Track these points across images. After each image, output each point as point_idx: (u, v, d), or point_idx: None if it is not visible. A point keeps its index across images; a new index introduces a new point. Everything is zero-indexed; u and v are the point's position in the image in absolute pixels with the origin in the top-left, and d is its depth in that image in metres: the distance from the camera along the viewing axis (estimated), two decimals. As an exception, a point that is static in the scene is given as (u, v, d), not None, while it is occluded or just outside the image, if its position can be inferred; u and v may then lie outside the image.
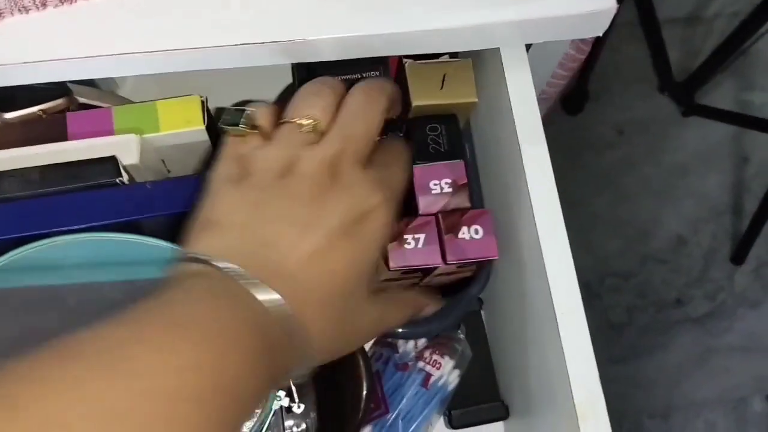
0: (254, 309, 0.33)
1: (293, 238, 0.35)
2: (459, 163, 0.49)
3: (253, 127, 0.41)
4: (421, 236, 0.47)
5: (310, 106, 0.40)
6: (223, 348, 0.30)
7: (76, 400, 0.26)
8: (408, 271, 0.48)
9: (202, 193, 0.39)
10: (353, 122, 0.39)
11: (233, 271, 0.33)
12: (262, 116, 0.41)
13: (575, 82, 1.44)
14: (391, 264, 0.46)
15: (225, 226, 0.36)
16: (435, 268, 0.47)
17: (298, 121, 0.39)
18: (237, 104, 0.49)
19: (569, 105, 1.49)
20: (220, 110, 0.47)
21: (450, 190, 0.49)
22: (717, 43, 1.37)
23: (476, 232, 0.47)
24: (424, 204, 0.48)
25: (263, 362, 0.32)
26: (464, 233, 0.47)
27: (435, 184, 0.49)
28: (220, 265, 0.34)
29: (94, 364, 0.28)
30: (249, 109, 0.42)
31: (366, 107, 0.40)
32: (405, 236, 0.47)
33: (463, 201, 0.49)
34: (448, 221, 0.47)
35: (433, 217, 0.47)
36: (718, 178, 1.48)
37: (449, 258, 0.47)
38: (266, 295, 0.33)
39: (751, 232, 1.40)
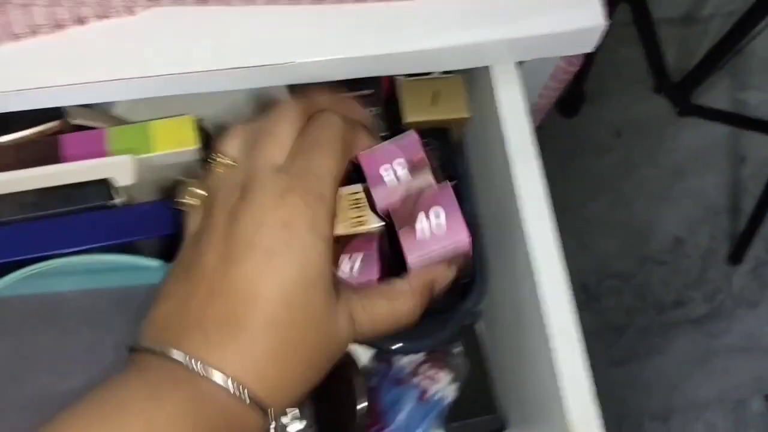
0: (193, 384, 0.32)
1: (211, 288, 0.34)
2: (410, 135, 0.42)
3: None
4: (359, 255, 0.41)
5: (225, 149, 0.39)
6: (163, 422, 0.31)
7: None
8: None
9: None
10: (263, 143, 0.38)
11: (174, 354, 0.33)
12: (193, 186, 0.40)
13: (571, 85, 1.44)
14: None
15: (162, 319, 0.36)
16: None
17: (214, 167, 0.39)
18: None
19: (566, 107, 1.49)
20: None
21: (406, 171, 0.41)
22: (712, 43, 1.37)
23: (437, 215, 0.39)
24: (379, 197, 0.40)
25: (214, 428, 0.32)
26: (423, 222, 0.39)
27: (386, 169, 0.41)
28: (159, 352, 0.33)
29: None
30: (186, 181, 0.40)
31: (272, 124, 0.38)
32: (340, 259, 0.41)
33: (425, 179, 0.41)
34: (402, 214, 0.40)
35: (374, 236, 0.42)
36: (715, 178, 1.48)
37: (417, 254, 0.39)
38: (199, 368, 0.32)
39: (749, 231, 1.40)
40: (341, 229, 0.42)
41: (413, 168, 0.40)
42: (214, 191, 0.38)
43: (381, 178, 0.40)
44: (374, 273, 0.40)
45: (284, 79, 0.43)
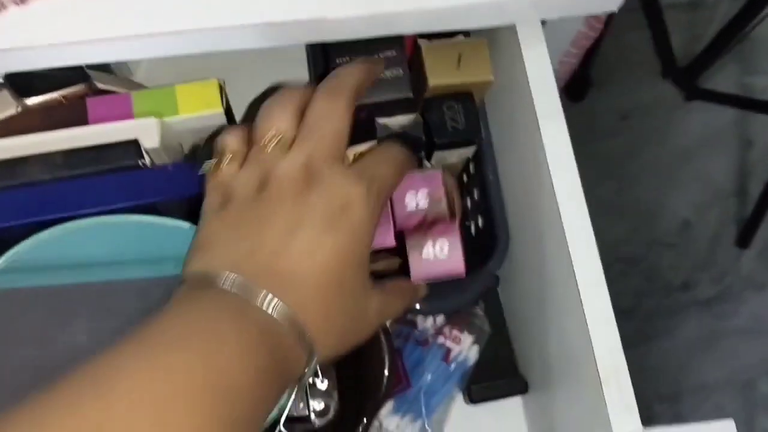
0: (253, 315, 0.34)
1: (279, 240, 0.36)
2: (435, 174, 0.48)
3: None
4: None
5: (272, 120, 0.40)
6: (225, 359, 0.31)
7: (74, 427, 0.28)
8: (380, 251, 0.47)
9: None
10: (318, 122, 0.40)
11: (227, 281, 0.34)
12: (231, 143, 0.41)
13: (578, 69, 1.44)
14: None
15: (213, 247, 0.38)
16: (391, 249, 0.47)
17: (262, 142, 0.40)
18: (212, 134, 0.49)
19: (572, 92, 1.49)
20: (197, 147, 0.47)
21: (426, 201, 0.47)
22: (719, 27, 1.38)
23: (442, 248, 0.47)
24: (400, 218, 0.47)
25: (269, 366, 0.33)
26: (429, 249, 0.47)
27: (411, 195, 0.48)
28: (212, 279, 0.35)
29: (89, 390, 0.29)
30: (219, 140, 0.42)
31: (329, 105, 0.41)
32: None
33: (440, 211, 0.47)
34: (413, 236, 0.47)
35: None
36: (722, 161, 1.49)
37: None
38: (263, 299, 0.34)
39: (756, 215, 1.40)
40: None
41: (432, 199, 0.47)
42: (268, 160, 0.39)
43: (405, 203, 0.47)
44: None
45: (311, 37, 0.43)
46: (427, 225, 0.47)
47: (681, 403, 1.35)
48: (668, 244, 1.44)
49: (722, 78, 1.52)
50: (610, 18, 1.32)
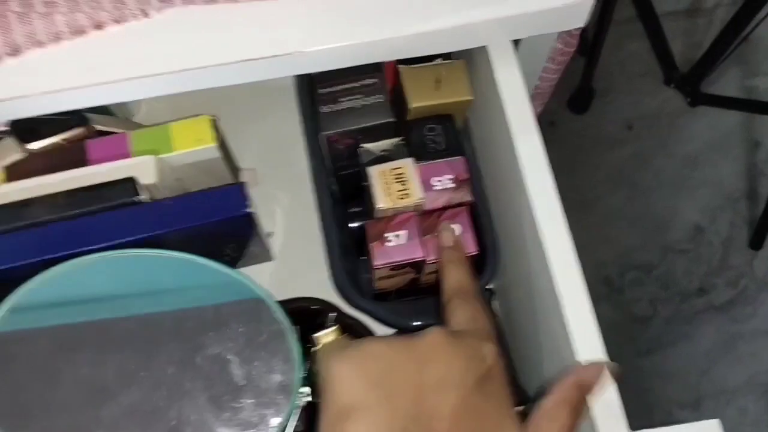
0: None
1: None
2: (459, 160, 0.52)
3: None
4: (403, 233, 0.49)
5: None
6: None
7: None
8: (397, 267, 0.50)
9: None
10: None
11: None
12: None
13: (580, 81, 1.46)
14: (376, 262, 0.48)
15: (365, 408, 0.37)
16: (421, 262, 0.50)
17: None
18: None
19: (576, 104, 1.50)
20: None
21: (453, 185, 0.52)
22: (718, 32, 1.38)
23: (455, 230, 0.50)
24: (428, 200, 0.50)
25: None
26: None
27: (438, 181, 0.51)
28: None
29: None
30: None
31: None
32: (386, 234, 0.49)
33: (465, 195, 0.52)
34: (427, 222, 0.50)
35: (414, 214, 0.50)
36: (730, 165, 1.49)
37: (429, 258, 0.49)
38: None
39: (768, 216, 1.40)
40: (387, 202, 0.50)
41: (458, 184, 0.51)
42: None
43: (432, 186, 0.51)
44: (418, 250, 0.50)
45: (291, 69, 0.46)
46: (437, 213, 0.51)
47: (702, 408, 1.34)
48: (681, 250, 1.44)
49: (725, 82, 1.52)
50: (604, 33, 1.34)
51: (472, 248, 0.50)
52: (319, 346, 0.42)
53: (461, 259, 0.48)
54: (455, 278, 0.46)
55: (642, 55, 1.53)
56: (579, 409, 0.40)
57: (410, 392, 0.37)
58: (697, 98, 1.50)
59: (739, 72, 1.54)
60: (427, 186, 0.51)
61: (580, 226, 1.53)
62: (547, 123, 1.48)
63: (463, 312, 0.43)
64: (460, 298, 0.45)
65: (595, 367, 0.41)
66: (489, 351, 0.39)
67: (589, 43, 1.38)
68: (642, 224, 1.45)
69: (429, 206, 0.51)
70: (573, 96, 1.49)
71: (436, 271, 0.53)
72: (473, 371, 0.38)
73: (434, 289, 0.56)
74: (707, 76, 1.46)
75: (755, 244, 1.43)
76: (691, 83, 1.49)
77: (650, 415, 1.31)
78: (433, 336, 0.38)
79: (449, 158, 0.52)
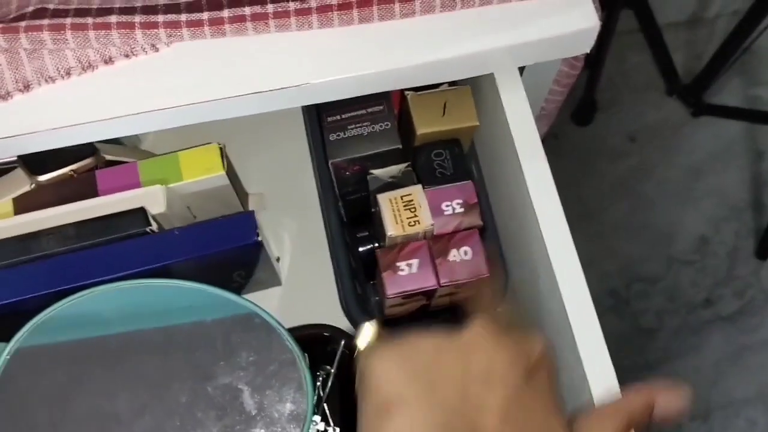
0: None
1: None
2: (468, 184, 0.52)
3: None
4: (415, 261, 0.49)
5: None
6: None
7: None
8: (409, 296, 0.50)
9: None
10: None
11: None
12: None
13: (583, 94, 1.46)
14: (388, 291, 0.48)
15: (406, 402, 0.36)
16: (434, 290, 0.50)
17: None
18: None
19: (579, 117, 1.51)
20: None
21: (462, 210, 0.52)
22: (720, 43, 1.39)
23: (465, 253, 0.50)
24: (437, 225, 0.51)
25: None
26: (454, 255, 0.49)
27: (447, 206, 0.51)
28: None
29: None
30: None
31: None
32: (398, 263, 0.49)
33: (474, 219, 0.52)
34: (438, 245, 0.50)
35: (425, 242, 0.50)
36: (734, 175, 1.49)
37: (442, 280, 0.49)
38: None
39: (774, 225, 1.40)
40: (397, 230, 0.50)
41: (467, 208, 0.52)
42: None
43: (442, 211, 0.51)
44: (431, 279, 0.50)
45: (300, 101, 0.46)
46: (448, 236, 0.51)
47: (712, 420, 1.33)
48: (687, 262, 1.44)
49: (728, 92, 1.53)
50: (607, 45, 1.34)
51: (484, 271, 0.50)
52: (360, 347, 0.41)
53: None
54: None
55: (644, 66, 1.53)
56: (637, 425, 0.38)
57: (454, 386, 0.35)
58: (700, 109, 1.50)
59: (741, 82, 1.54)
60: (437, 211, 0.51)
61: (584, 238, 1.53)
62: (550, 135, 1.48)
63: (499, 314, 0.41)
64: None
65: (673, 393, 0.39)
66: (536, 343, 0.37)
67: (592, 55, 1.39)
68: (647, 235, 1.45)
69: (439, 231, 0.51)
70: (576, 108, 1.50)
71: (448, 295, 0.53)
72: (520, 364, 0.36)
73: (444, 312, 0.56)
74: (710, 86, 1.47)
75: (761, 254, 1.43)
76: (693, 94, 1.49)
77: (659, 427, 1.31)
78: (477, 327, 0.37)
79: (458, 183, 0.52)
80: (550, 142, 1.48)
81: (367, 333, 0.41)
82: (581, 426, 0.37)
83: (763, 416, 1.34)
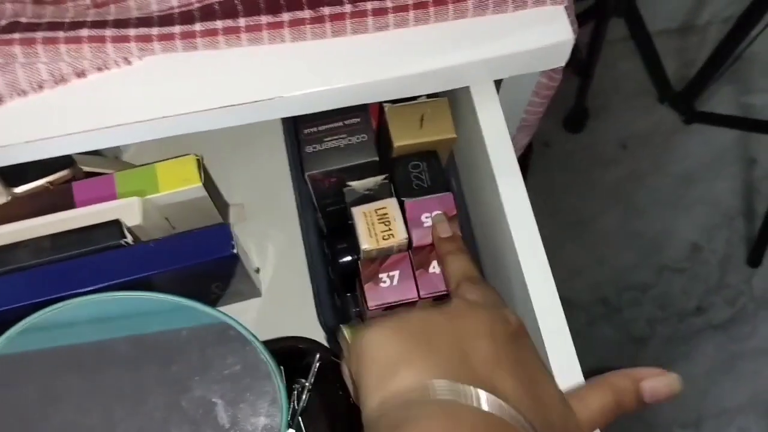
0: (482, 418, 0.35)
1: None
2: (448, 196, 0.52)
3: None
4: (396, 273, 0.49)
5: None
6: None
7: None
8: (389, 308, 0.50)
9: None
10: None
11: (452, 393, 0.35)
12: None
13: (575, 102, 1.46)
14: (370, 303, 0.48)
15: (411, 360, 0.37)
16: (414, 302, 0.49)
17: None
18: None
19: (571, 124, 1.51)
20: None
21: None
22: (711, 50, 1.39)
23: None
24: (416, 236, 0.50)
25: None
26: (434, 267, 0.49)
27: (426, 217, 0.51)
28: (441, 397, 0.35)
29: None
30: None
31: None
32: (380, 275, 0.49)
33: (453, 231, 0.51)
34: (419, 257, 0.50)
35: (407, 254, 0.50)
36: (726, 183, 1.49)
37: (422, 292, 0.49)
38: (485, 401, 0.35)
39: (765, 233, 1.40)
40: (372, 243, 0.49)
41: (447, 219, 0.50)
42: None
43: (422, 223, 0.51)
44: (412, 291, 0.50)
45: (273, 114, 0.46)
46: (429, 247, 0.51)
47: (703, 428, 1.33)
48: (678, 269, 1.44)
49: (720, 100, 1.53)
50: (597, 53, 1.35)
51: None
52: (346, 334, 0.42)
53: (460, 248, 0.48)
54: (458, 267, 0.47)
55: (636, 74, 1.54)
56: (624, 403, 0.39)
57: (448, 345, 0.37)
58: (692, 116, 1.50)
59: (733, 89, 1.54)
60: (416, 222, 0.51)
61: (575, 246, 1.53)
62: (541, 143, 1.49)
63: (473, 293, 0.44)
64: (468, 283, 0.45)
65: (660, 377, 0.40)
66: (510, 314, 0.40)
67: (583, 63, 1.39)
68: (638, 243, 1.45)
69: (418, 243, 0.51)
70: (567, 116, 1.50)
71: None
72: (501, 327, 0.39)
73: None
74: (701, 93, 1.47)
75: (753, 262, 1.43)
76: (685, 101, 1.49)
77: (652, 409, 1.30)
78: (456, 302, 0.41)
79: (438, 194, 0.52)
80: (542, 149, 1.48)
81: (346, 335, 0.42)
82: (568, 397, 0.39)
83: (755, 424, 1.33)
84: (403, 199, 0.51)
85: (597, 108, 1.50)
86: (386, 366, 0.37)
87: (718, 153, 1.51)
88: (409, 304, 0.51)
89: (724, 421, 1.34)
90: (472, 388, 0.35)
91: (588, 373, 0.42)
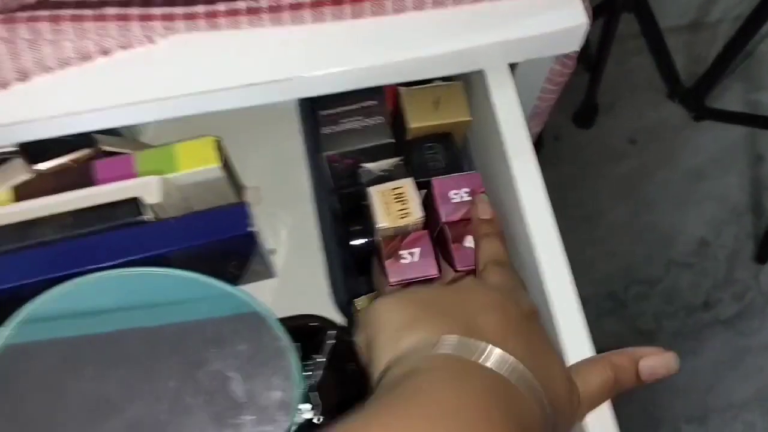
0: (488, 375, 0.36)
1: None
2: (475, 175, 0.52)
3: None
4: (417, 251, 0.50)
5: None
6: (474, 421, 0.33)
7: None
8: (409, 284, 0.51)
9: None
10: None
11: (460, 348, 0.36)
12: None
13: (585, 97, 1.47)
14: (391, 279, 0.49)
15: (422, 320, 0.39)
16: (435, 279, 0.50)
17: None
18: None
19: (581, 119, 1.51)
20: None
21: (469, 198, 0.51)
22: (722, 47, 1.39)
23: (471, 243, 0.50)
24: (445, 212, 0.51)
25: (510, 419, 0.34)
26: (470, 241, 0.50)
27: (455, 194, 0.52)
28: (450, 351, 0.36)
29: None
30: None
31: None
32: (401, 252, 0.50)
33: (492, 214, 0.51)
34: (454, 232, 0.50)
35: (427, 231, 0.50)
36: (735, 179, 1.49)
37: (458, 266, 0.49)
38: (494, 359, 0.36)
39: (773, 229, 1.40)
40: (388, 221, 0.50)
41: (474, 195, 0.51)
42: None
43: (449, 199, 0.51)
44: (433, 268, 0.50)
45: (293, 93, 0.47)
46: (464, 223, 0.51)
47: (709, 423, 1.34)
48: (686, 264, 1.44)
49: (729, 97, 1.53)
50: (608, 49, 1.35)
51: None
52: (360, 306, 0.43)
53: (497, 233, 0.48)
54: (490, 249, 0.47)
55: (646, 69, 1.54)
56: (623, 380, 0.41)
57: (459, 314, 0.38)
58: (702, 113, 1.51)
59: (743, 86, 1.54)
60: (445, 199, 0.51)
61: (584, 240, 1.53)
62: (552, 138, 1.49)
63: (496, 276, 0.44)
64: (494, 266, 0.45)
65: (658, 355, 0.42)
66: (524, 298, 0.41)
67: (593, 58, 1.39)
68: (647, 238, 1.46)
69: (447, 219, 0.51)
70: (578, 111, 1.50)
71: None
72: (513, 307, 0.40)
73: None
74: (711, 90, 1.47)
75: (761, 258, 1.43)
76: (695, 98, 1.49)
77: (657, 431, 1.31)
78: (468, 281, 0.42)
79: (466, 172, 0.53)
80: (552, 144, 1.49)
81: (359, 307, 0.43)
82: (570, 370, 0.41)
83: (761, 420, 1.34)
84: (430, 179, 0.52)
85: (607, 103, 1.51)
86: (397, 329, 0.38)
87: (726, 149, 1.51)
88: (429, 281, 0.51)
89: (729, 416, 1.34)
90: (483, 343, 0.36)
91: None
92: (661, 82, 1.53)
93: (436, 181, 0.51)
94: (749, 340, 1.39)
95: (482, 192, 0.51)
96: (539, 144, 1.42)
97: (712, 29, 1.58)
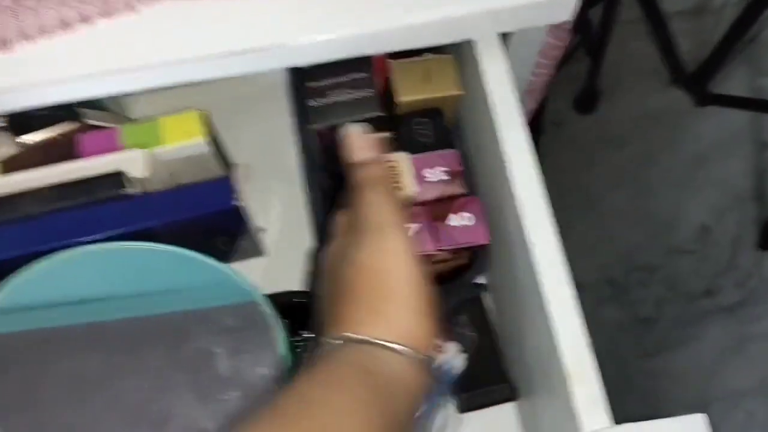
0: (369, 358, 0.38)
1: None
2: (452, 152, 0.52)
3: None
4: (413, 226, 0.49)
5: None
6: (373, 394, 0.36)
7: None
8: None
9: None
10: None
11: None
12: None
13: (586, 82, 1.45)
14: (442, 245, 0.48)
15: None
16: (430, 255, 0.49)
17: None
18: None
19: (582, 105, 1.50)
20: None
21: (447, 177, 0.51)
22: (725, 31, 1.37)
23: (467, 219, 0.50)
24: (419, 192, 0.50)
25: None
26: (454, 220, 0.49)
27: (430, 172, 0.51)
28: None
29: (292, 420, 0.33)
30: None
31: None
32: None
33: (457, 188, 0.51)
34: (438, 209, 0.50)
35: (423, 207, 0.50)
36: (738, 165, 1.47)
37: (441, 244, 0.49)
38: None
39: (776, 216, 1.38)
40: None
41: (452, 176, 0.51)
42: None
43: (424, 178, 0.50)
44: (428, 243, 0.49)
45: (278, 62, 0.46)
46: (445, 200, 0.51)
47: (710, 411, 1.33)
48: (688, 251, 1.43)
49: (733, 82, 1.51)
50: (609, 32, 1.34)
51: (484, 239, 0.50)
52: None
53: (383, 178, 0.44)
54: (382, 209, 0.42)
55: (648, 54, 1.52)
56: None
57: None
58: (705, 98, 1.49)
59: (747, 71, 1.53)
60: (418, 177, 0.51)
61: (585, 225, 1.52)
62: (553, 123, 1.48)
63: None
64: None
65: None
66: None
67: (595, 43, 1.38)
68: (648, 224, 1.44)
69: (420, 198, 0.51)
70: (579, 96, 1.49)
71: (442, 261, 0.52)
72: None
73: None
74: (715, 75, 1.45)
75: (763, 245, 1.42)
76: (698, 83, 1.48)
77: (657, 418, 1.30)
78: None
79: (441, 150, 0.52)
80: (553, 129, 1.47)
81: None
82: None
83: (763, 408, 1.33)
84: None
85: (608, 88, 1.49)
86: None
87: (730, 135, 1.49)
88: (426, 257, 0.51)
89: (731, 404, 1.33)
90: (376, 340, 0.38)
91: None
92: (663, 67, 1.52)
93: (414, 159, 0.51)
94: (751, 327, 1.38)
95: (459, 171, 0.50)
96: (540, 130, 1.41)
97: (715, 14, 1.56)
